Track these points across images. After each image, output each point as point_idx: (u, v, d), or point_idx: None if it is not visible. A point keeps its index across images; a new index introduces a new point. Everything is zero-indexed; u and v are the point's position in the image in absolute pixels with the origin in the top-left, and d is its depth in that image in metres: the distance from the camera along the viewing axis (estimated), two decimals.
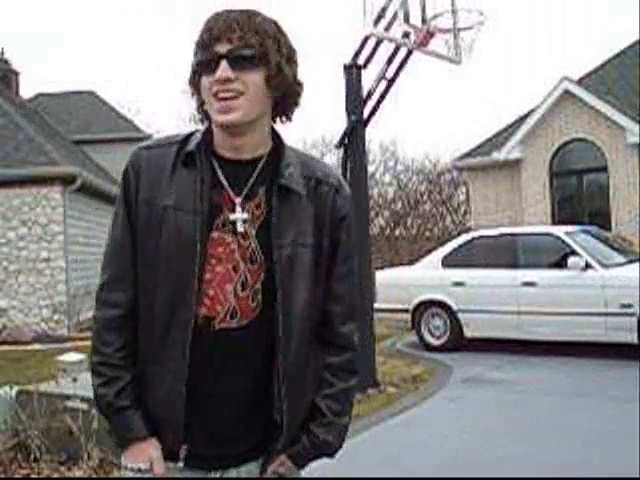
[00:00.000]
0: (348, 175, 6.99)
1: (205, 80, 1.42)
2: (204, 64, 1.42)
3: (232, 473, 1.52)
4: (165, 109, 53.77)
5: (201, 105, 1.49)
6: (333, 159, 28.73)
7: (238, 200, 1.46)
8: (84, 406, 4.28)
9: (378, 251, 20.73)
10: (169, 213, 1.45)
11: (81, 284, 13.49)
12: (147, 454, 1.47)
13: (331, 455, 1.59)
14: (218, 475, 1.52)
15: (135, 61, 53.05)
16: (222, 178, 1.47)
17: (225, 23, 1.40)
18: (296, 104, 1.52)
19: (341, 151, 7.22)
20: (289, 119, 1.54)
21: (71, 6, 57.04)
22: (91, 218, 14.90)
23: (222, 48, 1.39)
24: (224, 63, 1.39)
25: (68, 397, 4.41)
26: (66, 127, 20.29)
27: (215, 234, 1.46)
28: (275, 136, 1.54)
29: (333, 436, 1.56)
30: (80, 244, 13.95)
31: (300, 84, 1.51)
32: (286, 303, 1.46)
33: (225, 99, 1.40)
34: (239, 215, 1.46)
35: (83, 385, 4.58)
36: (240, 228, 1.45)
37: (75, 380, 4.65)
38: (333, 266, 1.55)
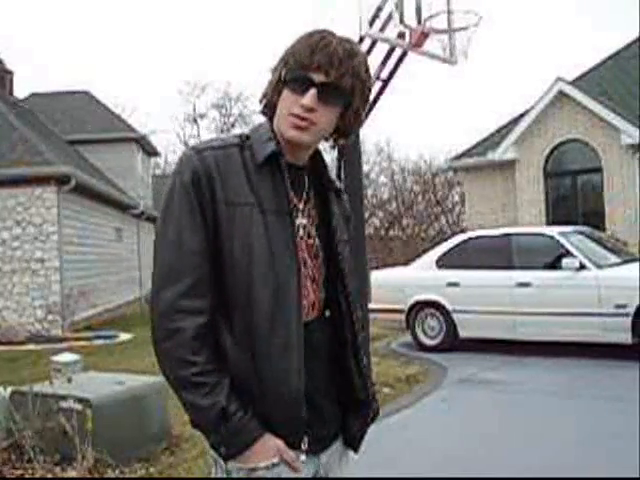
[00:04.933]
0: (343, 176, 6.98)
1: (288, 94, 1.52)
2: (294, 81, 1.51)
3: (322, 458, 1.61)
4: (159, 109, 53.67)
5: (265, 96, 1.59)
6: (328, 160, 28.80)
7: (301, 206, 1.60)
8: (78, 407, 4.26)
9: (373, 251, 20.75)
10: (256, 213, 1.50)
11: (75, 284, 13.47)
12: (273, 448, 1.47)
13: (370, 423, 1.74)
14: (323, 456, 1.61)
15: (130, 61, 52.94)
16: (287, 182, 1.56)
17: (328, 54, 1.48)
18: (350, 135, 1.65)
19: (335, 152, 7.22)
20: (346, 137, 1.65)
21: (66, 6, 56.93)
22: (85, 218, 14.87)
23: (317, 77, 1.49)
24: (313, 91, 1.49)
25: (62, 397, 4.39)
26: (60, 127, 20.26)
27: None
28: None
29: (376, 401, 1.74)
30: (74, 244, 13.92)
31: (363, 120, 1.63)
32: (351, 294, 1.63)
33: (300, 120, 1.50)
34: (302, 220, 1.59)
35: (77, 385, 4.57)
36: (301, 232, 1.58)
37: (69, 380, 4.64)
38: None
